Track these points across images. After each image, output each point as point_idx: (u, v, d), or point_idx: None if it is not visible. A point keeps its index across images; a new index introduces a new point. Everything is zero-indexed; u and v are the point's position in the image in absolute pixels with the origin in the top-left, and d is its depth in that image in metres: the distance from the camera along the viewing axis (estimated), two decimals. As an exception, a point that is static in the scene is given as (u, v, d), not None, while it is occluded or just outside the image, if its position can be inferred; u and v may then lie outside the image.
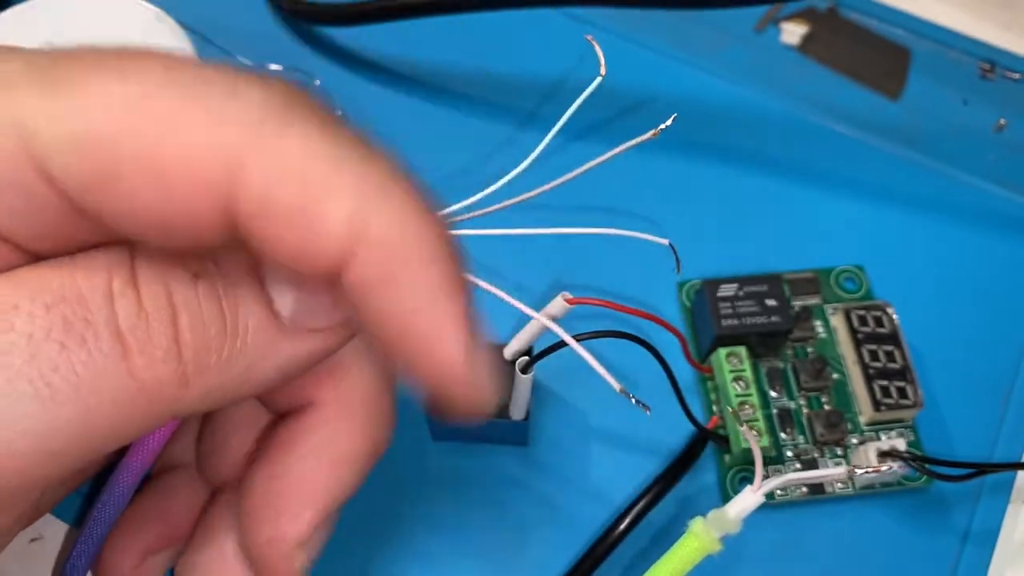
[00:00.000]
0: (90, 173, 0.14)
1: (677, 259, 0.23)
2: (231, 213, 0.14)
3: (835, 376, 0.29)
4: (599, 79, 0.21)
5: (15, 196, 0.14)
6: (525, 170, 0.26)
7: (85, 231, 0.15)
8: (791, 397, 0.29)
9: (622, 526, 0.26)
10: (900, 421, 0.29)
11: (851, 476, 0.22)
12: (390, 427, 0.21)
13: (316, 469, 0.20)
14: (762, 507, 0.27)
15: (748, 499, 0.17)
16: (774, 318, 0.28)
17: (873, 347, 0.28)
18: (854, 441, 0.28)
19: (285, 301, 0.15)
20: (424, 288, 0.14)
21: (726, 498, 0.28)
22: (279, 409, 0.21)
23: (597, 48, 0.23)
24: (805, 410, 0.29)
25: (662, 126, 0.22)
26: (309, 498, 0.19)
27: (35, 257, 0.15)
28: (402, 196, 0.14)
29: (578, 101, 0.22)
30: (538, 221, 0.33)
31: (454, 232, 0.16)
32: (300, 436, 0.20)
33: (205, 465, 0.23)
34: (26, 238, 0.15)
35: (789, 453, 0.28)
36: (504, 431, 0.28)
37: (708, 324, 0.28)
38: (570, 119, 0.35)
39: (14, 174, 0.14)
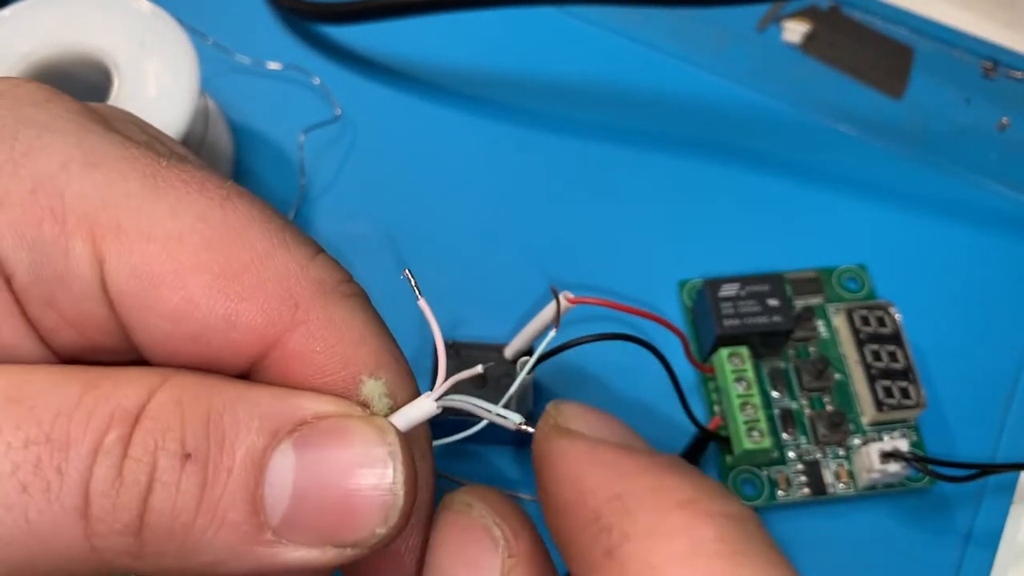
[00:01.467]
0: (143, 300, 0.15)
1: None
2: (271, 345, 0.15)
3: (837, 376, 0.29)
4: (552, 333, 0.21)
5: (70, 293, 0.15)
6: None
7: (114, 340, 0.15)
8: (793, 397, 0.29)
9: (623, 527, 0.26)
10: (903, 421, 0.28)
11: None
12: None
13: None
14: (764, 507, 0.28)
15: (421, 405, 0.16)
16: (776, 318, 0.28)
17: (875, 347, 0.28)
18: (856, 441, 0.28)
19: (278, 506, 0.14)
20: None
21: (728, 499, 0.27)
22: None
23: (566, 301, 0.23)
24: (807, 410, 0.29)
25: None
26: None
27: (47, 348, 0.15)
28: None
29: (535, 357, 0.21)
30: (544, 222, 0.32)
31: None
32: None
33: None
34: (52, 330, 0.15)
35: (791, 454, 0.28)
36: (504, 431, 0.27)
37: (710, 324, 0.28)
38: (572, 119, 0.35)
39: (85, 285, 0.15)
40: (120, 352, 0.16)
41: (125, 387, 0.14)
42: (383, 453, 0.15)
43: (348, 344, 0.16)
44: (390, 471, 0.15)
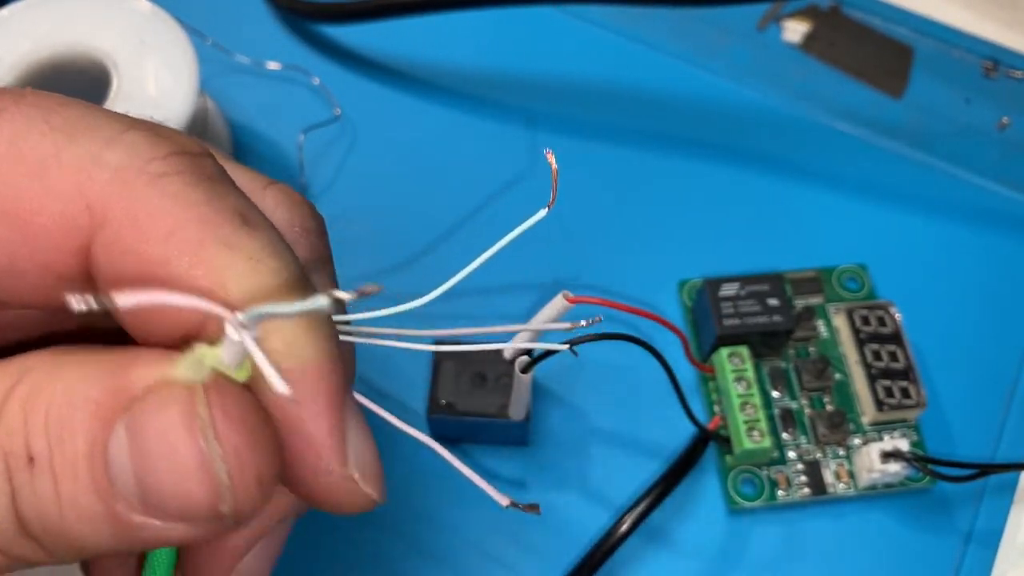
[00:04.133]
0: None
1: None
2: (87, 258, 0.14)
3: (837, 376, 0.29)
4: (544, 211, 0.20)
5: None
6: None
7: None
8: (793, 397, 0.29)
9: (623, 528, 0.26)
10: (903, 421, 0.28)
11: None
12: None
13: None
14: (764, 507, 0.28)
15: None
16: (776, 318, 0.28)
17: (875, 347, 0.28)
18: (856, 441, 0.28)
19: (129, 490, 0.13)
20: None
21: (728, 499, 0.27)
22: None
23: (552, 162, 0.22)
24: (807, 410, 0.29)
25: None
26: None
27: None
28: (270, 272, 0.14)
29: (520, 229, 0.21)
30: (544, 222, 0.32)
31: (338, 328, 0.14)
32: None
33: None
34: None
35: (791, 454, 0.28)
36: (504, 431, 0.27)
37: (710, 324, 0.28)
38: (572, 119, 0.35)
39: None
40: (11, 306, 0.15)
41: None
42: (192, 424, 0.13)
43: (154, 243, 0.13)
44: (202, 444, 0.13)
